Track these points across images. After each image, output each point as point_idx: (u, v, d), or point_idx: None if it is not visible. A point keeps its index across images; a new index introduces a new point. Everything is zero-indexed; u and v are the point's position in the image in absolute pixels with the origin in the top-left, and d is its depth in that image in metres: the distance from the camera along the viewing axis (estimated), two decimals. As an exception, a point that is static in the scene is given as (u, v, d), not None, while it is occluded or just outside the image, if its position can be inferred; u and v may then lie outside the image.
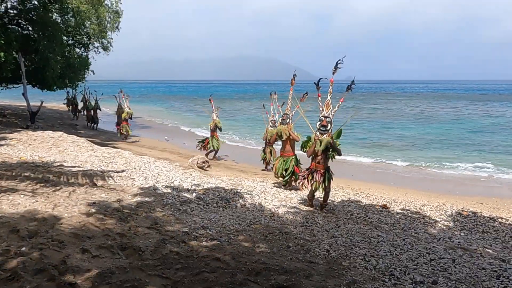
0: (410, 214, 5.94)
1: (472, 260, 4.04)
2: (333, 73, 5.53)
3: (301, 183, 6.11)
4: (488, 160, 12.35)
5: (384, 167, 11.53)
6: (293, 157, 7.49)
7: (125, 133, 14.85)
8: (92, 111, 18.47)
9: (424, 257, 4.04)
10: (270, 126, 9.63)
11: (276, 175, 7.70)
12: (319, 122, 5.73)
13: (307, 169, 6.10)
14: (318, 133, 5.78)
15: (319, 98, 5.81)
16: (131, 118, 15.33)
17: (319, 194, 6.12)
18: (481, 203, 7.48)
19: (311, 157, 5.91)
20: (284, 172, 7.42)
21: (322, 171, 5.80)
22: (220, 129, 11.76)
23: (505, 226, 5.60)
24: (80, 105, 21.88)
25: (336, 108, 5.69)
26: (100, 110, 18.90)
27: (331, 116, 5.70)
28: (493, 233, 5.24)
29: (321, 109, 5.75)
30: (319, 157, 5.79)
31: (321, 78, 5.69)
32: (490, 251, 4.49)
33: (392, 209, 6.26)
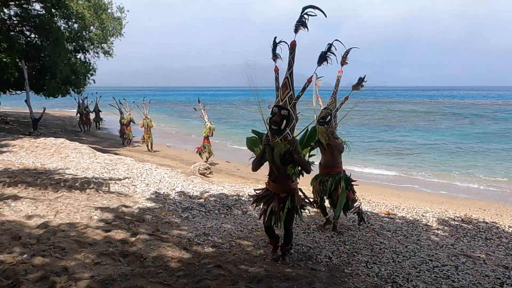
0: (413, 221, 5.91)
1: (475, 267, 4.02)
2: (296, 30, 3.20)
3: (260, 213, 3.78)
4: (493, 167, 12.29)
5: (386, 174, 11.49)
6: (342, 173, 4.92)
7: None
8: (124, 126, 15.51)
9: (427, 264, 4.02)
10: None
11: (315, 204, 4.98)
12: (270, 117, 3.38)
13: (260, 191, 3.80)
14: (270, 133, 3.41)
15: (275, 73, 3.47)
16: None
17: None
18: (484, 209, 7.45)
19: (268, 171, 3.61)
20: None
21: (282, 195, 3.54)
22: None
23: (508, 232, 5.56)
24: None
25: (301, 94, 3.36)
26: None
27: (289, 107, 3.30)
28: (496, 240, 5.20)
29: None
30: (276, 173, 3.49)
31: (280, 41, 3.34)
32: (493, 258, 4.46)
33: (394, 215, 6.23)
